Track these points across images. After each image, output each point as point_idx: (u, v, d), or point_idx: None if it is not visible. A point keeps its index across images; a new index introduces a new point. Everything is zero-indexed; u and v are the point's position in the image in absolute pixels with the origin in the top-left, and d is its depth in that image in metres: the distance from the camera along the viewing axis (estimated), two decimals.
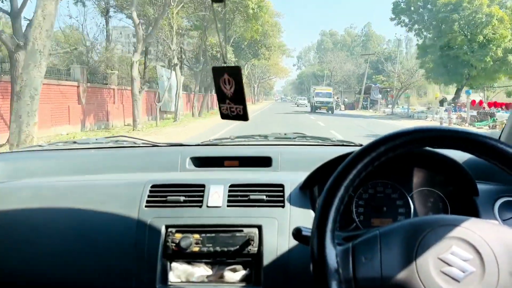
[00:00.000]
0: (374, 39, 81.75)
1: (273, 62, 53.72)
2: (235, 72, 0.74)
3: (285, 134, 1.75)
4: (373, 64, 61.71)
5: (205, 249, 1.03)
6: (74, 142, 1.65)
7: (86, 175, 1.36)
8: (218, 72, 0.75)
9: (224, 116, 0.78)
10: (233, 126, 13.08)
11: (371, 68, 60.80)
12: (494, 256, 0.64)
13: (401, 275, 0.65)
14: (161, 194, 1.13)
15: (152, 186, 1.15)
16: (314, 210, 1.09)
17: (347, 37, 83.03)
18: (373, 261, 0.67)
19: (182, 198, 1.12)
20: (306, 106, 43.88)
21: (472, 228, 0.67)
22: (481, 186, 1.08)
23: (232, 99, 0.75)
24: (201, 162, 1.44)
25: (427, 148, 0.84)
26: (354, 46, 79.92)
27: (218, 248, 1.03)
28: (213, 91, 31.20)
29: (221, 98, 0.76)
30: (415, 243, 0.67)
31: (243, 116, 0.75)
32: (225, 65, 0.75)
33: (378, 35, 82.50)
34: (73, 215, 1.11)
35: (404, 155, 0.87)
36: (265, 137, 1.69)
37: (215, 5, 0.75)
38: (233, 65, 0.75)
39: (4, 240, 1.09)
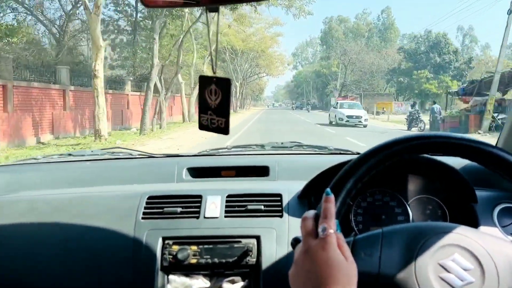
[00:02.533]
0: (395, 30, 63.68)
1: (265, 45, 34.88)
2: (224, 84, 0.72)
3: (282, 143, 1.72)
4: (410, 56, 42.08)
5: (203, 260, 1.01)
6: (70, 154, 1.64)
7: (82, 187, 1.33)
8: (205, 82, 0.74)
9: (202, 127, 0.76)
10: None
11: (408, 60, 41.21)
12: (496, 270, 0.63)
13: (399, 275, 0.65)
14: (157, 205, 1.12)
15: (149, 198, 1.14)
16: None
17: (361, 25, 64.35)
18: (373, 257, 0.68)
19: (179, 210, 1.10)
20: (362, 121, 21.07)
21: (477, 240, 0.67)
22: (479, 193, 1.07)
23: (215, 111, 0.73)
24: (198, 172, 1.42)
25: (425, 155, 0.79)
26: (369, 37, 61.46)
27: (216, 260, 1.01)
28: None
29: (203, 108, 0.75)
30: (417, 246, 0.67)
31: (224, 130, 0.73)
32: (214, 75, 0.73)
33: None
34: (69, 227, 1.09)
35: (401, 162, 0.82)
36: (262, 146, 1.67)
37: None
38: (223, 76, 0.72)
39: (0, 253, 1.08)
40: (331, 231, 0.57)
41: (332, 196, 0.60)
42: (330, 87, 51.46)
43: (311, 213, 0.62)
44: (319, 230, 0.57)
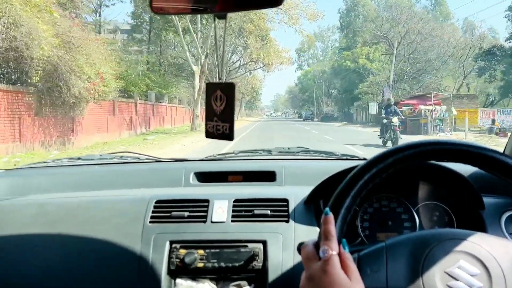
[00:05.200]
0: (445, 7, 45.41)
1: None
2: (228, 89, 0.72)
3: (288, 148, 1.73)
4: None
5: (209, 264, 1.02)
6: (78, 158, 1.65)
7: (90, 191, 1.35)
8: (211, 88, 0.74)
9: (209, 134, 0.75)
10: None
11: None
12: (502, 272, 0.64)
13: None
14: (165, 209, 1.13)
15: (157, 202, 1.15)
16: (318, 225, 1.08)
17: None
18: (379, 273, 0.68)
19: (186, 214, 1.11)
20: None
21: (480, 243, 0.67)
22: (487, 200, 1.07)
23: (219, 117, 0.73)
24: (205, 177, 1.44)
25: (432, 161, 0.81)
26: (410, 18, 43.02)
27: (222, 264, 1.02)
28: None
29: (209, 115, 0.75)
30: (422, 256, 0.67)
31: (229, 135, 0.72)
32: (220, 81, 0.74)
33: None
34: (77, 231, 1.10)
35: (408, 168, 0.82)
36: (269, 151, 1.69)
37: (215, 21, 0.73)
38: (228, 81, 0.73)
39: (8, 255, 1.09)
40: (333, 252, 0.57)
41: (330, 216, 0.60)
42: (364, 86, 32.94)
43: (311, 240, 0.62)
44: (320, 253, 0.57)
